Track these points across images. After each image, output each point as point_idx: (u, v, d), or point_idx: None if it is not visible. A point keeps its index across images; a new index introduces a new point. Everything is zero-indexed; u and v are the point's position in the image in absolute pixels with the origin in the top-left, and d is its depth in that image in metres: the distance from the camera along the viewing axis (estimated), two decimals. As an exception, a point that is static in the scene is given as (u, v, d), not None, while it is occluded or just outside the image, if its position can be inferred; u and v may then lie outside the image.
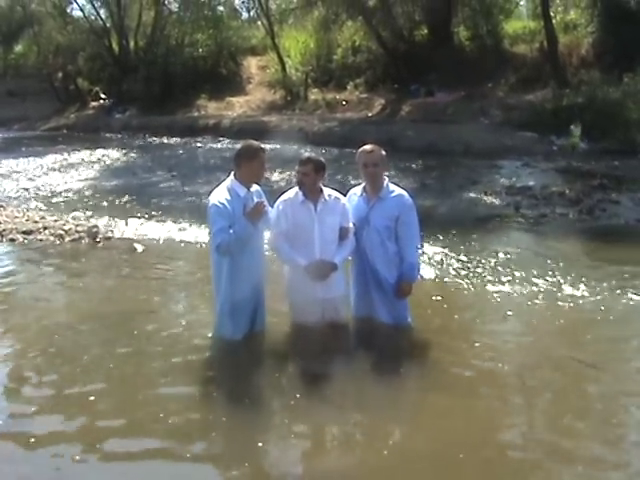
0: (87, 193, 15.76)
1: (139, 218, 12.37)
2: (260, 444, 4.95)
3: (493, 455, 4.83)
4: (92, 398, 5.58)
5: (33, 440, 4.98)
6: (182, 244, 10.74)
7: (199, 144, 25.51)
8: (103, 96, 38.26)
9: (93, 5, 40.02)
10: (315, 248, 6.13)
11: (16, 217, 12.29)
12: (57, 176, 18.42)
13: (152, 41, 37.86)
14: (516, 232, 11.39)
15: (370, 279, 6.43)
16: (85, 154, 23.14)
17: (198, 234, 10.92)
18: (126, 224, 11.95)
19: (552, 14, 26.90)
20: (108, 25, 39.63)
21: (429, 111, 24.81)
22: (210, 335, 6.48)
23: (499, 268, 8.94)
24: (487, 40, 29.70)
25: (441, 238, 10.36)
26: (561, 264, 9.17)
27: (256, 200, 6.02)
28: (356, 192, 6.57)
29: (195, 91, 33.93)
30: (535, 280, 8.40)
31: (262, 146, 6.28)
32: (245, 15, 43.49)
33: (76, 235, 11.01)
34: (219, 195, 5.97)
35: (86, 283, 8.98)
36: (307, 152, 6.83)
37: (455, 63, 26.22)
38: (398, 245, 6.32)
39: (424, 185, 15.28)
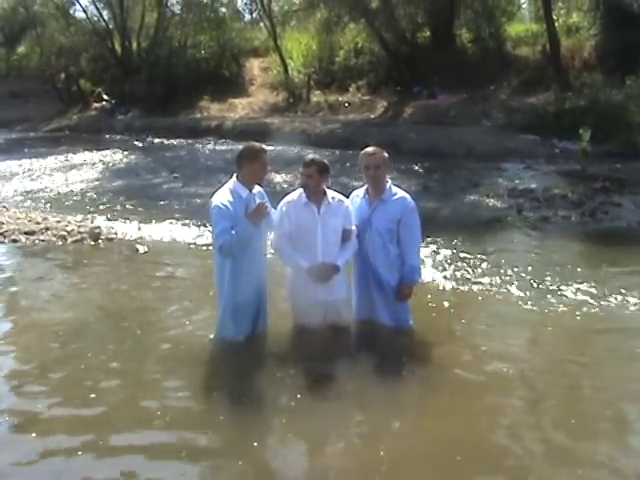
0: (89, 194, 15.77)
1: (141, 219, 12.37)
2: (261, 444, 4.95)
3: (494, 457, 4.82)
4: (93, 396, 5.60)
5: (35, 435, 5.03)
6: (184, 245, 10.75)
7: (201, 145, 25.52)
8: (106, 97, 38.30)
9: (96, 6, 40.13)
10: (318, 250, 6.13)
11: (18, 218, 12.30)
12: (59, 177, 18.44)
13: (155, 42, 37.90)
14: (518, 234, 11.38)
15: (372, 281, 6.43)
16: (87, 155, 23.16)
17: (200, 235, 10.94)
18: (128, 225, 11.96)
19: (554, 17, 26.90)
20: (111, 26, 39.69)
21: (431, 113, 24.81)
22: (212, 336, 6.47)
23: (501, 271, 8.94)
24: (489, 43, 29.72)
25: (443, 240, 10.35)
26: (563, 266, 9.17)
27: (258, 201, 6.02)
28: (359, 194, 6.58)
29: (198, 93, 33.96)
30: (537, 283, 8.40)
31: (264, 147, 6.28)
32: (248, 17, 43.61)
33: (78, 236, 11.02)
34: (221, 196, 5.98)
35: (88, 284, 8.98)
36: (310, 154, 6.79)
37: (457, 65, 26.24)
38: (400, 248, 6.33)
39: (426, 187, 15.29)
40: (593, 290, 8.06)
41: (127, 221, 12.24)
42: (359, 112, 27.91)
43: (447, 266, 9.23)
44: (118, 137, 29.79)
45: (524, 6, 36.66)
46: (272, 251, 6.55)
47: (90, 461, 4.75)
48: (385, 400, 5.52)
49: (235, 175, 6.12)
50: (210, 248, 6.53)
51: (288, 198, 6.28)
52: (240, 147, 6.40)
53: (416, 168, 17.99)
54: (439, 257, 9.60)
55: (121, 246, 10.73)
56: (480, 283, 8.51)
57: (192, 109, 32.84)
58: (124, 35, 38.88)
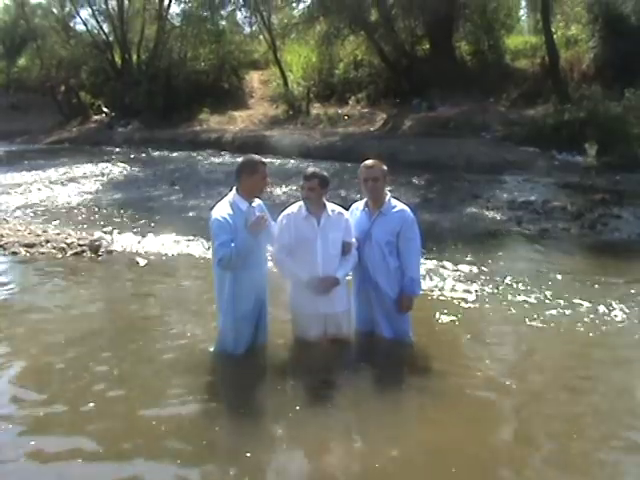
0: (89, 206, 15.78)
1: (141, 232, 12.37)
2: (260, 455, 4.95)
3: (491, 469, 4.82)
4: (92, 406, 5.61)
5: (34, 443, 5.06)
6: (184, 258, 10.75)
7: (201, 158, 25.53)
8: (105, 110, 38.38)
9: (96, 19, 40.28)
10: (318, 263, 6.14)
11: (18, 230, 12.31)
12: (59, 189, 18.45)
13: (155, 55, 37.99)
14: (518, 247, 11.38)
15: (372, 294, 6.44)
16: (87, 167, 23.17)
17: (200, 248, 10.94)
18: (128, 238, 11.96)
19: (553, 29, 26.98)
20: (111, 39, 39.84)
21: (431, 125, 24.83)
22: (212, 349, 6.47)
23: (500, 283, 8.94)
24: (489, 55, 29.82)
25: (443, 253, 10.35)
26: (563, 279, 9.18)
27: (257, 214, 6.03)
28: (358, 207, 6.60)
29: (197, 105, 34.02)
30: (536, 295, 8.40)
31: (263, 160, 6.29)
32: (247, 29, 43.58)
33: (78, 248, 11.01)
34: (221, 209, 5.99)
35: (88, 296, 8.97)
36: (310, 167, 6.83)
37: (457, 78, 26.29)
38: (400, 260, 6.34)
39: (426, 199, 15.30)
40: (593, 303, 8.05)
41: (127, 234, 12.24)
42: (358, 124, 27.95)
43: (446, 278, 9.22)
44: (118, 149, 29.80)
45: (523, 19, 36.85)
46: (272, 263, 6.54)
47: (89, 469, 4.77)
48: (384, 412, 5.51)
49: (235, 188, 6.14)
50: (210, 260, 6.51)
51: (288, 211, 6.30)
52: (240, 160, 6.42)
53: (415, 180, 18.00)
54: (438, 269, 9.59)
55: (121, 259, 10.74)
56: (479, 295, 8.51)
57: (192, 121, 32.89)
58: (124, 48, 39.00)
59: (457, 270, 9.58)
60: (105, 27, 40.38)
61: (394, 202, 6.45)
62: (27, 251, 11.00)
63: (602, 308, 7.87)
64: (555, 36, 26.75)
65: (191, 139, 29.57)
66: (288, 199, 13.33)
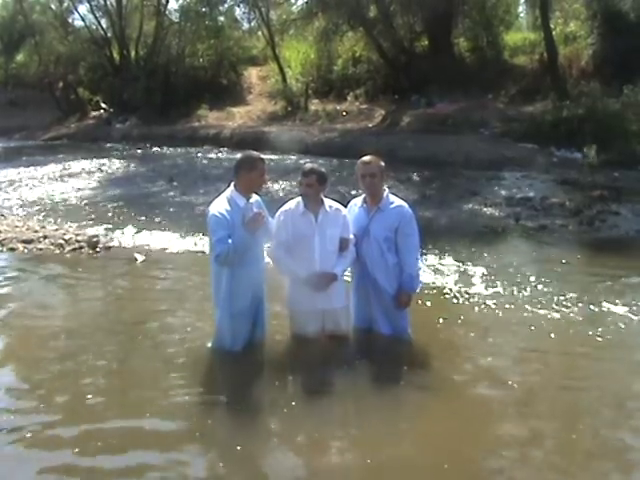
0: (87, 202, 15.76)
1: (139, 228, 12.36)
2: (257, 451, 4.97)
3: (489, 467, 4.82)
4: (90, 404, 5.60)
5: (30, 437, 5.05)
6: (182, 254, 10.74)
7: (199, 154, 25.49)
8: (104, 106, 38.30)
9: (94, 15, 40.17)
10: (315, 259, 6.14)
11: (16, 226, 12.30)
12: (57, 185, 18.43)
13: (153, 51, 37.93)
14: (516, 243, 11.39)
15: (370, 290, 6.44)
16: (85, 164, 23.14)
17: (198, 244, 10.93)
18: (126, 234, 11.95)
19: (552, 26, 26.97)
20: (109, 35, 39.77)
21: (429, 122, 24.81)
22: (209, 345, 6.47)
23: (499, 279, 8.93)
24: (487, 51, 29.82)
25: (441, 249, 10.34)
26: (561, 275, 9.19)
27: (255, 210, 6.02)
28: (356, 203, 6.59)
29: (196, 101, 33.96)
30: (535, 292, 8.40)
31: (261, 156, 6.28)
32: (246, 25, 43.59)
33: (76, 244, 11.00)
34: (219, 205, 5.98)
35: (85, 292, 8.98)
36: (309, 163, 6.81)
37: (455, 74, 26.28)
38: (398, 256, 6.33)
39: (424, 196, 15.29)
40: (592, 299, 8.06)
41: (125, 230, 12.23)
42: (357, 121, 27.92)
43: (444, 275, 9.22)
44: (116, 145, 29.76)
45: (522, 15, 36.85)
46: (270, 260, 6.53)
47: (87, 469, 4.75)
48: (381, 409, 5.50)
49: (233, 184, 6.13)
50: (208, 256, 6.50)
51: (285, 207, 6.29)
52: (238, 156, 6.41)
53: (414, 177, 17.99)
54: (437, 266, 9.60)
55: (119, 255, 10.72)
56: (477, 292, 8.51)
57: (190, 117, 32.84)
58: (122, 43, 38.93)
59: (455, 266, 9.58)
60: (103, 23, 40.31)
61: (392, 198, 6.44)
62: (25, 247, 10.99)
63: (601, 305, 7.87)
64: (554, 33, 26.74)
65: (189, 135, 29.55)
66: (286, 195, 13.30)
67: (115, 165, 22.99)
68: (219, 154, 25.18)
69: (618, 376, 6.30)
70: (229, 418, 5.48)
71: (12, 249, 10.92)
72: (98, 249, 10.89)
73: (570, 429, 5.29)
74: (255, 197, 6.24)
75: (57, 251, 10.84)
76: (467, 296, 8.39)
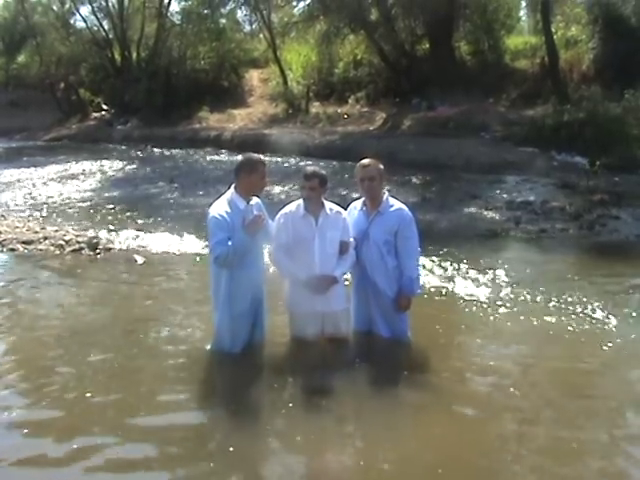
0: (88, 204, 15.78)
1: (140, 229, 12.38)
2: (255, 454, 4.97)
3: (488, 470, 4.82)
4: (89, 404, 5.60)
5: (28, 439, 5.03)
6: (182, 256, 10.75)
7: (200, 156, 25.51)
8: (105, 107, 38.38)
9: (96, 16, 40.29)
10: (315, 262, 6.14)
11: (17, 227, 12.31)
12: (58, 186, 18.46)
13: (154, 53, 38.00)
14: (516, 247, 11.38)
15: (370, 293, 6.44)
16: (86, 165, 23.17)
17: (198, 246, 10.94)
18: (127, 235, 11.96)
19: (553, 30, 26.97)
20: (111, 36, 39.86)
21: (430, 125, 24.82)
22: (209, 347, 6.47)
23: (499, 283, 8.94)
24: (488, 55, 29.83)
25: (441, 253, 10.36)
26: (561, 279, 9.19)
27: (255, 213, 6.02)
28: (356, 206, 6.60)
29: (197, 103, 33.98)
30: (535, 296, 8.40)
31: (262, 159, 6.29)
32: (247, 28, 43.69)
33: (76, 246, 11.01)
34: (219, 207, 5.98)
35: (85, 294, 8.97)
36: (309, 166, 6.83)
37: (456, 78, 26.28)
38: (398, 259, 6.33)
39: (425, 199, 15.29)
40: (591, 303, 8.05)
41: (125, 231, 12.24)
42: (358, 124, 27.93)
43: (445, 278, 9.23)
44: (117, 147, 29.80)
45: (523, 19, 36.88)
46: (270, 262, 6.54)
47: (86, 468, 4.76)
48: (380, 412, 5.49)
49: (233, 186, 6.13)
50: (208, 258, 6.51)
51: (286, 209, 6.29)
52: (239, 158, 6.42)
53: (414, 180, 18.01)
54: (437, 269, 9.60)
55: (119, 256, 10.73)
56: (477, 295, 8.51)
57: (191, 119, 32.87)
58: (124, 45, 39.01)
59: (455, 270, 9.58)
60: (105, 24, 40.49)
61: (392, 201, 6.44)
62: (25, 248, 11.00)
63: (601, 309, 7.87)
64: (555, 37, 26.74)
65: (190, 137, 29.56)
66: (287, 198, 13.32)
67: (116, 166, 23.01)
68: (220, 156, 25.20)
69: (621, 383, 6.29)
70: (228, 420, 5.47)
71: (12, 250, 10.93)
72: (98, 250, 10.90)
73: (570, 436, 5.27)
74: (255, 199, 6.24)
75: (57, 252, 10.85)
76: (467, 300, 8.40)
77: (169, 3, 38.91)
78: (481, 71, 28.17)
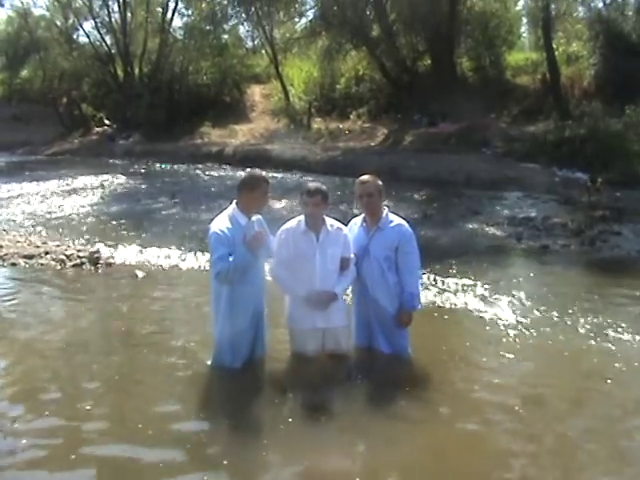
0: (89, 218, 15.78)
1: (141, 244, 12.36)
2: (255, 468, 4.96)
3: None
4: (89, 419, 5.59)
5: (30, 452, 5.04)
6: (183, 271, 10.74)
7: (202, 171, 25.54)
8: (107, 122, 38.53)
9: (99, 32, 40.51)
10: (316, 278, 6.13)
11: (18, 241, 12.30)
12: (60, 201, 18.45)
13: (157, 68, 38.18)
14: (518, 263, 11.38)
15: (371, 309, 6.43)
16: (88, 179, 23.18)
17: (199, 261, 10.93)
18: (128, 250, 11.93)
19: (554, 46, 27.13)
20: (113, 51, 40.06)
21: (432, 141, 24.90)
22: (209, 362, 6.46)
23: (500, 300, 8.91)
24: (490, 71, 29.96)
25: (443, 268, 10.34)
26: (563, 295, 9.17)
27: (257, 229, 6.02)
28: (356, 222, 6.60)
29: (199, 118, 34.12)
30: (536, 312, 8.38)
31: (266, 177, 6.29)
32: (249, 44, 43.88)
33: (78, 260, 11.00)
34: (220, 223, 5.99)
35: (86, 308, 8.96)
36: (311, 182, 6.80)
37: (458, 94, 26.35)
38: (399, 275, 6.33)
39: (426, 215, 15.29)
40: (592, 319, 8.04)
41: (127, 246, 12.21)
42: (359, 139, 28.02)
43: (446, 294, 9.20)
44: (119, 162, 29.85)
45: (524, 35, 37.00)
46: (270, 278, 6.53)
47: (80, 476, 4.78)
48: (380, 428, 5.47)
49: (235, 202, 6.14)
50: (209, 274, 6.50)
51: (287, 225, 6.28)
52: (241, 173, 6.45)
53: (416, 196, 18.03)
54: (438, 285, 9.58)
55: (120, 271, 10.71)
56: (479, 312, 8.49)
57: (193, 135, 32.98)
58: (126, 60, 39.19)
59: (457, 286, 9.55)
60: (108, 39, 40.71)
61: (392, 217, 6.44)
62: (26, 262, 11.00)
63: (602, 325, 7.85)
64: (556, 53, 26.90)
65: (192, 152, 29.63)
66: (288, 214, 13.32)
67: (117, 181, 23.04)
68: (221, 171, 25.25)
69: (624, 401, 6.26)
70: (227, 434, 5.45)
71: (13, 264, 10.93)
72: (99, 265, 10.89)
73: (573, 455, 5.26)
74: (257, 215, 6.24)
75: (58, 267, 10.84)
76: (468, 316, 8.38)
77: (172, 19, 39.19)
78: (482, 87, 28.30)
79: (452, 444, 5.29)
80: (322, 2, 31.92)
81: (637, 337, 7.50)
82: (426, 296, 8.72)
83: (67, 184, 22.13)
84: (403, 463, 5.05)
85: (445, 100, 26.18)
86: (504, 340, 7.56)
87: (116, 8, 39.41)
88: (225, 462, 4.92)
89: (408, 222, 6.50)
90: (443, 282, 9.71)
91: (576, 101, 25.34)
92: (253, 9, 34.09)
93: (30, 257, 11.19)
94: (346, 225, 6.49)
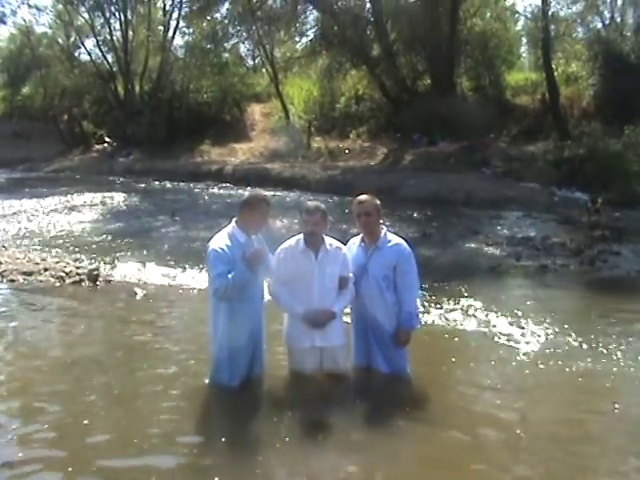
0: (89, 235, 15.78)
1: (140, 262, 12.36)
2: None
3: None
4: (87, 438, 5.56)
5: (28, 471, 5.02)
6: (182, 289, 10.72)
7: (202, 189, 25.57)
8: (107, 139, 38.65)
9: (100, 50, 40.71)
10: (314, 296, 6.13)
11: (17, 258, 12.29)
12: (59, 218, 18.46)
13: (157, 86, 38.34)
14: (517, 283, 11.38)
15: (369, 328, 6.41)
16: (88, 196, 23.21)
17: (198, 279, 10.91)
18: (127, 268, 11.94)
19: (554, 66, 27.25)
20: (114, 69, 40.25)
21: (431, 160, 24.96)
22: (207, 381, 6.43)
23: (500, 319, 8.91)
24: (489, 91, 30.08)
25: (442, 288, 10.34)
26: (562, 315, 9.16)
27: (256, 246, 6.02)
28: (355, 242, 6.59)
29: (199, 136, 34.20)
30: (535, 332, 8.37)
31: (267, 198, 6.29)
32: (250, 62, 44.06)
33: (77, 277, 10.99)
34: (219, 240, 5.99)
35: (84, 325, 8.94)
36: (310, 201, 6.81)
37: (457, 113, 26.43)
38: (397, 294, 6.32)
39: (425, 234, 15.30)
40: (592, 339, 8.03)
41: (126, 263, 12.22)
42: (359, 158, 28.07)
43: (445, 314, 9.20)
44: (119, 179, 29.90)
45: (524, 55, 37.22)
46: (269, 296, 6.52)
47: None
48: (379, 448, 5.45)
49: (234, 220, 6.14)
50: (208, 292, 6.49)
51: (286, 244, 6.28)
52: (240, 192, 6.46)
53: (415, 215, 18.05)
54: (437, 304, 9.57)
55: (119, 289, 10.70)
56: (478, 331, 8.49)
57: (193, 153, 33.04)
58: (127, 78, 39.36)
59: (456, 305, 9.55)
60: (109, 57, 40.92)
61: (390, 236, 6.44)
62: (25, 279, 10.99)
63: (603, 345, 7.84)
64: (555, 73, 27.02)
65: (192, 170, 29.66)
66: (287, 232, 13.32)
67: (117, 199, 23.06)
68: (221, 190, 25.26)
69: (612, 420, 6.23)
70: (224, 454, 5.42)
71: (12, 280, 10.92)
72: (98, 282, 10.89)
73: (568, 469, 5.24)
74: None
75: (57, 284, 10.83)
76: (467, 335, 8.38)
77: (173, 37, 39.45)
78: (482, 107, 28.35)
79: (451, 462, 5.26)
80: (322, 22, 32.13)
81: (638, 357, 7.50)
82: (425, 315, 8.73)
83: (67, 201, 22.14)
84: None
85: (445, 119, 26.27)
86: (503, 359, 7.55)
87: (118, 26, 39.71)
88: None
89: (407, 241, 6.49)
90: (442, 301, 9.70)
91: (575, 121, 25.44)
92: (254, 28, 34.33)
93: (29, 274, 11.18)
94: (345, 244, 6.49)
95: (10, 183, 28.78)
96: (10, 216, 18.71)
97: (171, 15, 39.17)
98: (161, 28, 39.93)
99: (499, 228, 16.13)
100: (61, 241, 15.03)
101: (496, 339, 8.16)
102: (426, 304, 9.33)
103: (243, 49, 41.56)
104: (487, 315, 9.11)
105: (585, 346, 7.86)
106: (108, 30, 39.98)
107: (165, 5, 39.69)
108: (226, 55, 39.00)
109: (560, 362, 7.39)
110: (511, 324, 8.70)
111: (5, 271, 11.27)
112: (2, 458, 5.16)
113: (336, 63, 31.76)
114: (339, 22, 30.18)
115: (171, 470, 5.13)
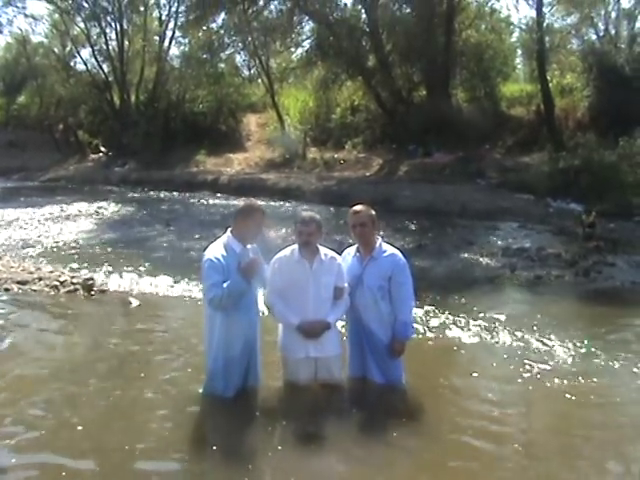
0: (84, 245, 15.76)
1: (135, 271, 12.35)
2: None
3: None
4: (80, 447, 5.55)
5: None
6: (177, 299, 10.70)
7: (197, 199, 25.56)
8: (103, 149, 38.62)
9: (96, 59, 40.76)
10: (309, 306, 6.13)
11: (12, 267, 12.26)
12: (54, 227, 18.45)
13: (153, 96, 38.36)
14: (512, 294, 11.36)
15: (364, 339, 6.41)
16: (83, 206, 23.21)
17: (193, 289, 10.90)
18: (122, 277, 11.93)
19: (548, 78, 27.33)
20: (110, 79, 40.23)
21: (427, 171, 24.99)
22: (201, 391, 6.42)
23: (495, 330, 8.91)
24: (485, 102, 30.13)
25: (437, 299, 10.33)
26: (557, 326, 9.14)
27: (251, 256, 6.02)
28: (350, 252, 6.60)
29: (194, 146, 34.17)
30: (530, 343, 8.37)
31: (261, 208, 6.30)
32: (246, 73, 44.11)
33: (71, 287, 10.97)
34: (214, 250, 5.99)
35: (79, 335, 8.92)
36: (305, 211, 6.81)
37: (453, 124, 26.50)
38: (392, 304, 6.32)
39: (420, 245, 15.28)
40: (588, 351, 8.04)
41: (121, 273, 12.21)
42: (354, 169, 28.08)
43: (440, 324, 9.19)
44: (114, 189, 29.89)
45: (519, 67, 37.31)
46: (264, 306, 6.51)
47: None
48: (372, 459, 5.45)
49: (229, 229, 6.14)
50: (202, 302, 6.49)
51: (281, 254, 6.28)
52: (236, 202, 6.46)
53: (410, 226, 18.05)
54: (432, 315, 9.57)
55: (114, 298, 10.69)
56: (472, 342, 8.49)
57: (188, 163, 33.01)
58: (123, 88, 39.37)
59: (451, 316, 9.54)
60: (105, 67, 40.94)
61: (385, 246, 6.45)
62: (20, 288, 10.95)
63: (596, 357, 7.85)
64: (550, 84, 27.10)
65: (187, 180, 29.62)
66: (282, 242, 13.31)
67: (112, 208, 23.06)
68: (216, 200, 25.24)
69: (615, 433, 6.23)
70: (217, 463, 5.41)
71: (6, 290, 10.88)
72: (93, 292, 10.86)
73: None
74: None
75: (52, 293, 10.80)
76: (462, 347, 8.37)
77: (169, 47, 39.49)
78: (477, 118, 28.40)
79: (445, 474, 5.25)
80: (318, 32, 32.18)
81: (635, 369, 7.50)
82: (420, 326, 8.72)
83: (62, 210, 22.14)
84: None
85: (440, 131, 26.33)
86: (499, 371, 7.55)
87: (114, 36, 39.65)
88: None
89: (402, 252, 6.50)
90: (437, 312, 9.69)
91: (570, 132, 25.49)
92: (250, 38, 34.39)
93: (24, 283, 11.15)
94: (340, 254, 6.49)
95: (5, 192, 28.75)
96: (5, 225, 18.69)
97: (167, 25, 39.25)
98: (157, 38, 39.95)
99: (494, 239, 16.12)
100: (56, 250, 15.02)
101: (491, 350, 8.16)
102: (421, 315, 9.33)
103: (239, 59, 41.66)
104: (482, 326, 9.10)
105: (582, 357, 7.87)
106: (104, 40, 40.00)
107: (161, 15, 39.72)
108: (222, 65, 39.06)
109: (557, 373, 7.38)
110: (505, 335, 8.70)
111: (-1, 280, 11.25)
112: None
113: (332, 74, 31.84)
114: (335, 33, 30.26)
115: (164, 479, 5.11)
